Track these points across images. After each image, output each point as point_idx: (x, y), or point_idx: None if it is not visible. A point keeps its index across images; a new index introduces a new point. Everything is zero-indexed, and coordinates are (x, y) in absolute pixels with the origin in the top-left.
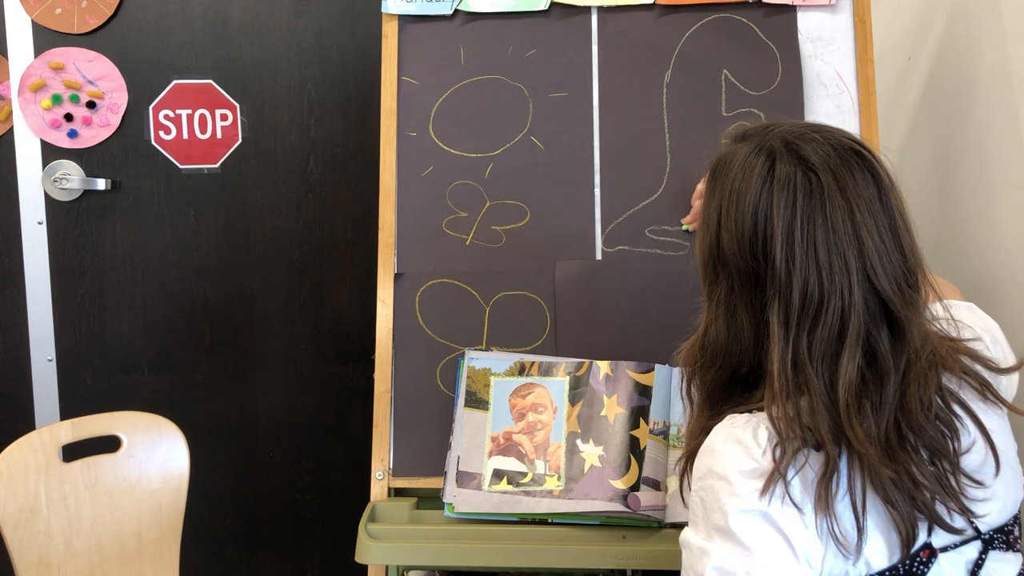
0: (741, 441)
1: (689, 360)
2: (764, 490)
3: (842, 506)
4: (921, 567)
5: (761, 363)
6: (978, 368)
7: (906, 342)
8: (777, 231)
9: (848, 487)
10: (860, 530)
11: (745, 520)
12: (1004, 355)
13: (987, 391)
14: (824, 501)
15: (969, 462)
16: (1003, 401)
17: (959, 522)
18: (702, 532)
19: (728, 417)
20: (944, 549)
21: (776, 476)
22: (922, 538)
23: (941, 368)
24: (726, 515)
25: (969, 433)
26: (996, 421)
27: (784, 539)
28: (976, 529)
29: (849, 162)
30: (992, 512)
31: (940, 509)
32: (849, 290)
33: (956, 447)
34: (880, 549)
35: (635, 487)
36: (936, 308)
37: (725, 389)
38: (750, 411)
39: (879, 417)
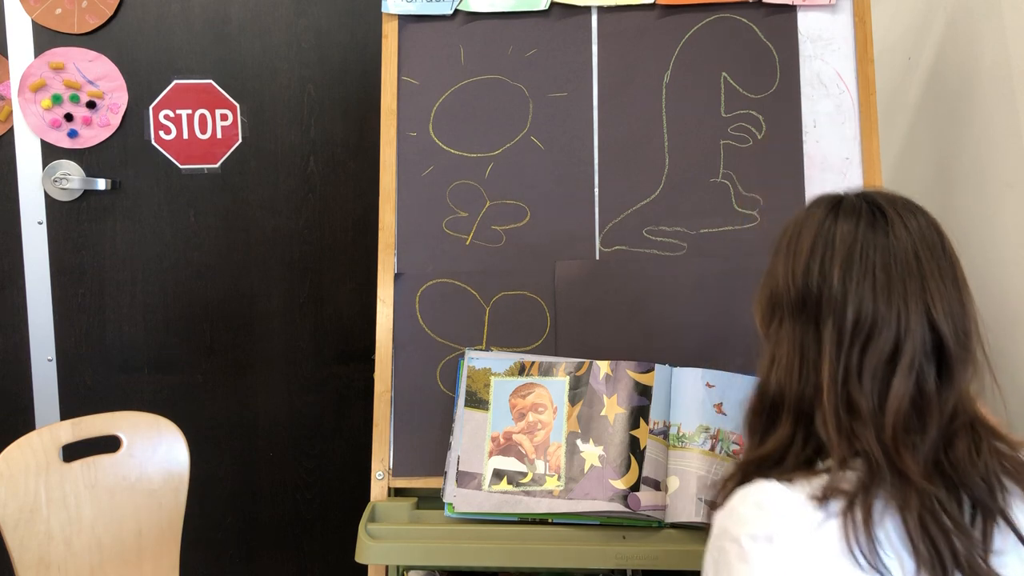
0: (760, 504)
1: (750, 402)
2: (823, 499)
3: (882, 534)
4: None
5: (801, 395)
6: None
7: (952, 389)
8: (838, 252)
9: (884, 517)
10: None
11: None
12: None
13: None
14: (866, 519)
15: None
16: None
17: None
18: None
19: (756, 481)
20: None
21: (832, 491)
22: None
23: (992, 439)
24: None
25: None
26: None
27: None
28: None
29: (915, 211)
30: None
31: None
32: (907, 316)
33: (1003, 503)
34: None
35: (635, 487)
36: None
37: (759, 418)
38: (779, 479)
39: (921, 453)
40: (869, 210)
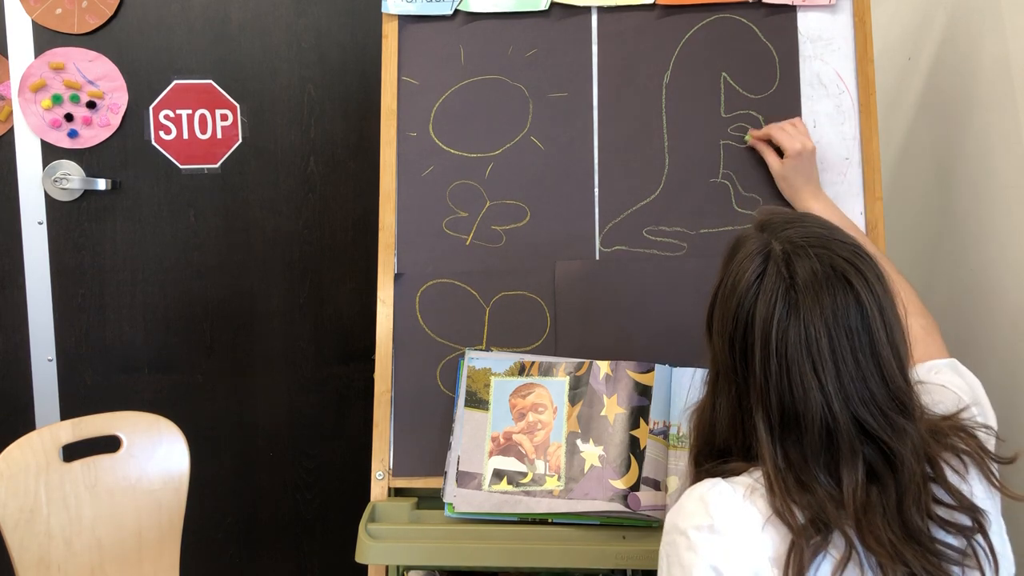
0: (703, 498)
1: (692, 423)
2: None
3: None
4: None
5: (748, 449)
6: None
7: (897, 468)
8: (756, 342)
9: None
10: None
11: None
12: (985, 419)
13: (986, 474)
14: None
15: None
16: (1002, 489)
17: None
18: None
19: (704, 479)
20: None
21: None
22: None
23: (941, 454)
24: (685, 570)
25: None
26: (988, 502)
27: None
28: None
29: (833, 286)
30: None
31: None
32: (829, 408)
33: (981, 531)
34: None
35: (635, 487)
36: (919, 371)
37: (707, 459)
38: (722, 475)
39: (888, 515)
40: (785, 296)
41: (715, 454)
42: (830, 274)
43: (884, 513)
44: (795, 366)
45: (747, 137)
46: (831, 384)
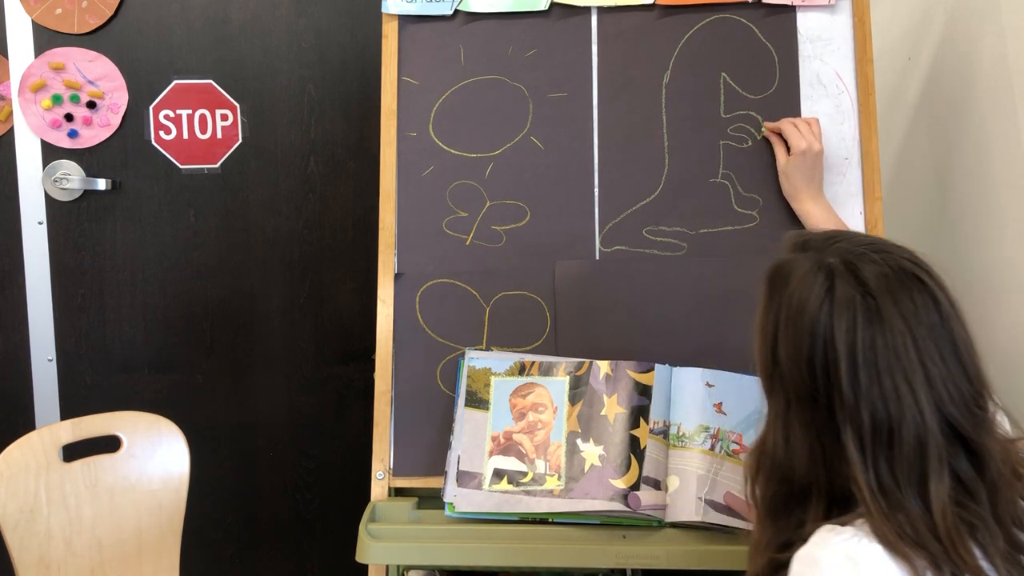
0: (851, 558)
1: (750, 468)
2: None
3: None
4: None
5: (832, 482)
6: None
7: (986, 464)
8: (841, 356)
9: None
10: None
11: None
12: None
13: None
14: None
15: None
16: None
17: None
18: None
19: (827, 527)
20: None
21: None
22: None
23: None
24: None
25: None
26: None
27: None
28: None
29: (908, 286)
30: None
31: None
32: (921, 415)
33: None
34: None
35: (635, 486)
36: None
37: (786, 503)
38: (845, 524)
39: (991, 534)
40: (864, 303)
41: (793, 496)
42: (901, 275)
43: (986, 526)
44: (886, 376)
45: (762, 128)
46: (922, 388)
